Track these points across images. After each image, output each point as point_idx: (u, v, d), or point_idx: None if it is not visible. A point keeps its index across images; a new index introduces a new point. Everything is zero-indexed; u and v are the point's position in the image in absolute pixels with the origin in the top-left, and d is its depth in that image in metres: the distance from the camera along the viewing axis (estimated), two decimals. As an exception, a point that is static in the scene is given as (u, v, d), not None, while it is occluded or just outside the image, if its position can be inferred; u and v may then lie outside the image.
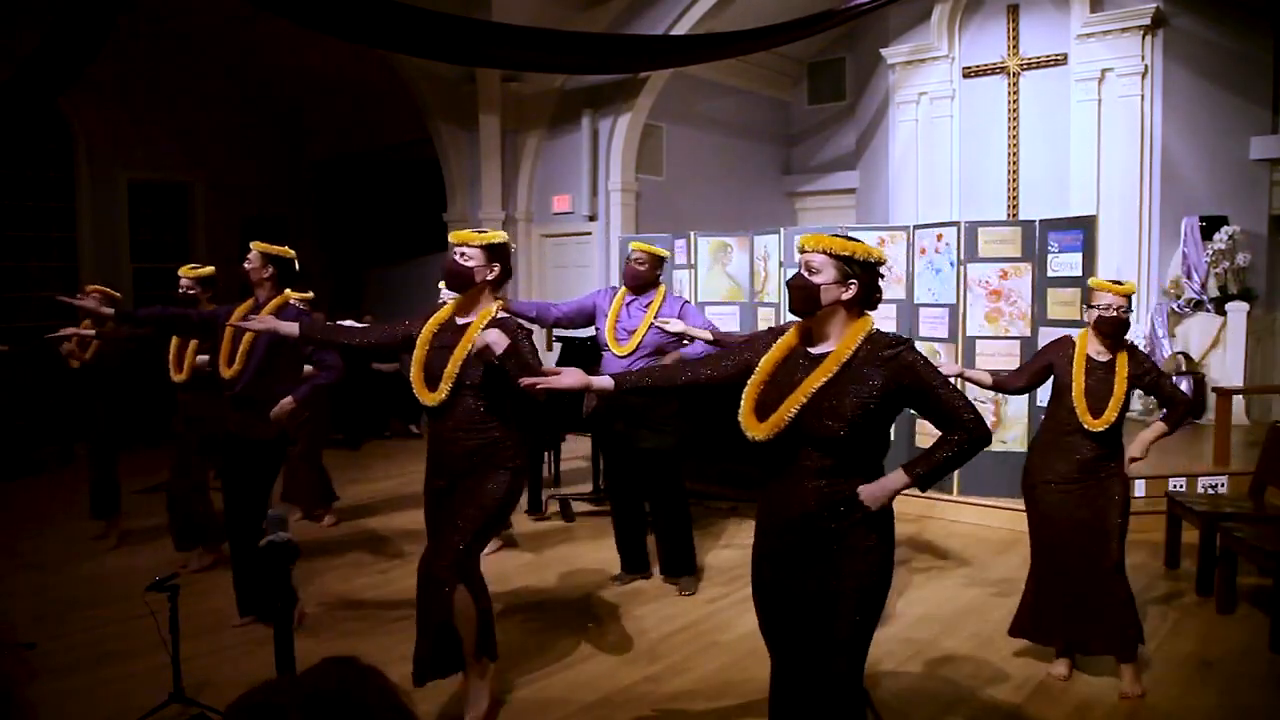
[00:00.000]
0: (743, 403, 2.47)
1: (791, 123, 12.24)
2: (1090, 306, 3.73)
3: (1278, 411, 8.13)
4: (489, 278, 3.26)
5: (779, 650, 2.54)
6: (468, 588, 3.29)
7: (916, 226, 6.72)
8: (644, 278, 4.84)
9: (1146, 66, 8.72)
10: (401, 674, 3.77)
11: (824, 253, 2.42)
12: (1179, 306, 8.50)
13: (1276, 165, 8.58)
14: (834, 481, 2.39)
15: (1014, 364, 6.11)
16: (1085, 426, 3.62)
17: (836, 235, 2.47)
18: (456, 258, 3.24)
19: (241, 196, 11.62)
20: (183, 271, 5.04)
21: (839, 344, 2.41)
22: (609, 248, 9.50)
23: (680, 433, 4.89)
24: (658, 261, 4.90)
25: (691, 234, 7.55)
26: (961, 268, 6.27)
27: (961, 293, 6.29)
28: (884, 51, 10.27)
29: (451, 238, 3.30)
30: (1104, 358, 3.70)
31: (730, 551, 5.53)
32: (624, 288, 4.93)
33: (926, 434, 6.02)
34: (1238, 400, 7.56)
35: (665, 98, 9.93)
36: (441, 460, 3.31)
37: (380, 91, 10.35)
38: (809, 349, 2.48)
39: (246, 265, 4.18)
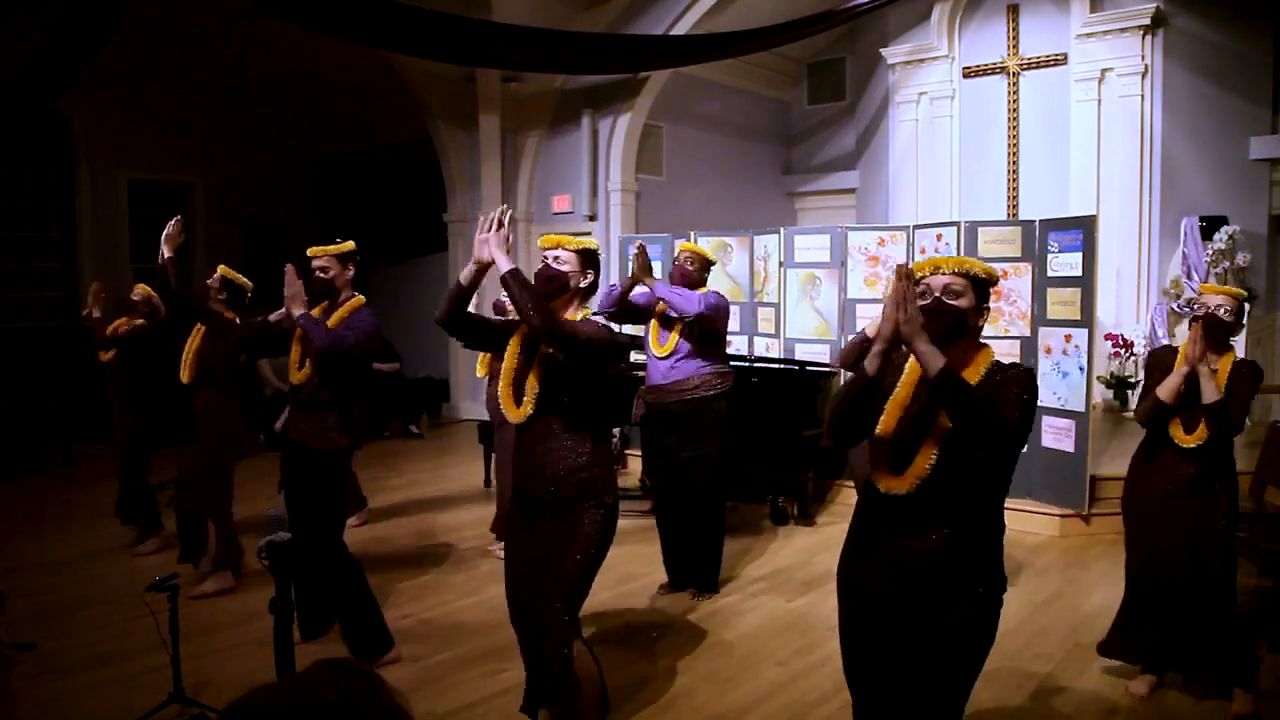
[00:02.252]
0: (872, 458, 2.29)
1: (791, 123, 12.24)
2: (1194, 309, 3.48)
3: (1277, 411, 8.13)
4: (582, 285, 3.01)
5: (867, 690, 2.37)
6: (582, 643, 3.04)
7: (916, 226, 6.72)
8: (692, 279, 4.76)
9: (1146, 66, 8.72)
10: (398, 676, 3.78)
11: (967, 275, 2.25)
12: (1179, 306, 8.49)
13: (1276, 165, 8.57)
14: (957, 529, 2.22)
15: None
16: (1176, 442, 3.41)
17: (968, 259, 2.31)
18: (550, 261, 2.99)
19: (241, 196, 11.63)
20: (221, 269, 4.97)
21: (966, 374, 2.20)
22: (609, 248, 9.50)
23: (722, 443, 4.72)
24: (707, 264, 4.85)
25: (691, 234, 7.56)
26: (961, 268, 6.27)
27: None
28: (884, 51, 10.27)
29: (542, 242, 3.06)
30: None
31: (731, 551, 5.52)
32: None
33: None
34: (1238, 400, 7.54)
35: (665, 98, 9.94)
36: (528, 478, 3.03)
37: (380, 91, 10.35)
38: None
39: (323, 275, 3.89)
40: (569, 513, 2.97)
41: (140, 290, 5.72)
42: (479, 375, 5.75)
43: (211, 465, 4.89)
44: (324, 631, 4.08)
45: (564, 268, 2.98)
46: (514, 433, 3.00)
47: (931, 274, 2.28)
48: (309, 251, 3.98)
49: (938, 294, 2.26)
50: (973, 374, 2.22)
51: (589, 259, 3.03)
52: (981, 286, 2.29)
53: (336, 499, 3.98)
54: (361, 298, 4.02)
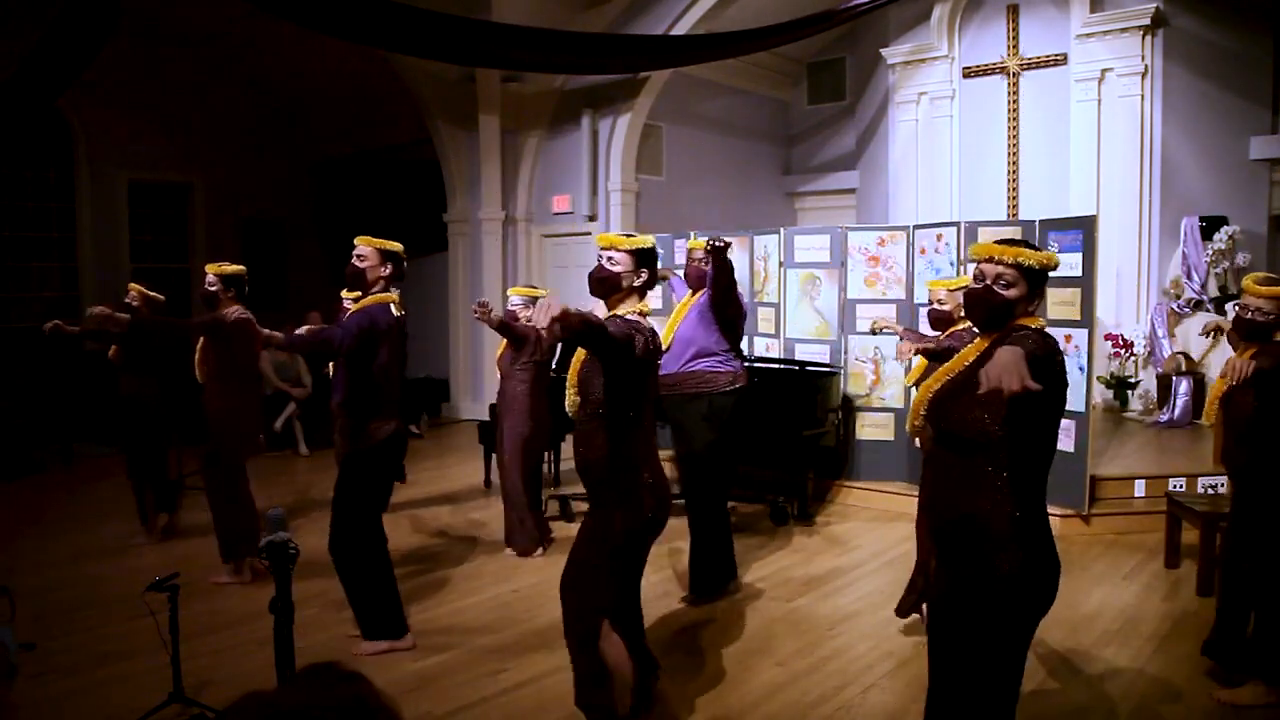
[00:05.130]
0: (911, 413, 2.45)
1: (791, 123, 12.25)
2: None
3: None
4: (635, 284, 3.07)
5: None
6: (607, 639, 3.05)
7: (916, 226, 6.72)
8: (706, 275, 4.66)
9: (1146, 66, 8.72)
10: (399, 676, 3.77)
11: (1018, 266, 2.32)
12: (1179, 306, 8.50)
13: (1276, 165, 8.58)
14: (972, 490, 2.29)
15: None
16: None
17: (1029, 247, 2.35)
18: (603, 262, 3.07)
19: (241, 196, 11.63)
20: (209, 268, 4.97)
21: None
22: (609, 248, 9.50)
23: (717, 433, 4.54)
24: None
25: (692, 234, 7.55)
26: (961, 267, 6.27)
27: (961, 293, 6.29)
28: (884, 51, 10.27)
29: (597, 241, 3.14)
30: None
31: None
32: (690, 288, 4.81)
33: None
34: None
35: (665, 98, 9.93)
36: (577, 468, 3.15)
37: (380, 91, 10.35)
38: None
39: (359, 263, 3.94)
40: (595, 508, 3.08)
41: (134, 291, 5.72)
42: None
43: (225, 464, 4.96)
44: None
45: (616, 268, 3.05)
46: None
47: (985, 261, 2.35)
48: (365, 240, 4.00)
49: (989, 281, 2.33)
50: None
51: (642, 257, 3.08)
52: (1035, 276, 2.34)
53: (357, 488, 3.95)
54: (389, 295, 3.99)
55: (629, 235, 3.11)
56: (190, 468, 6.41)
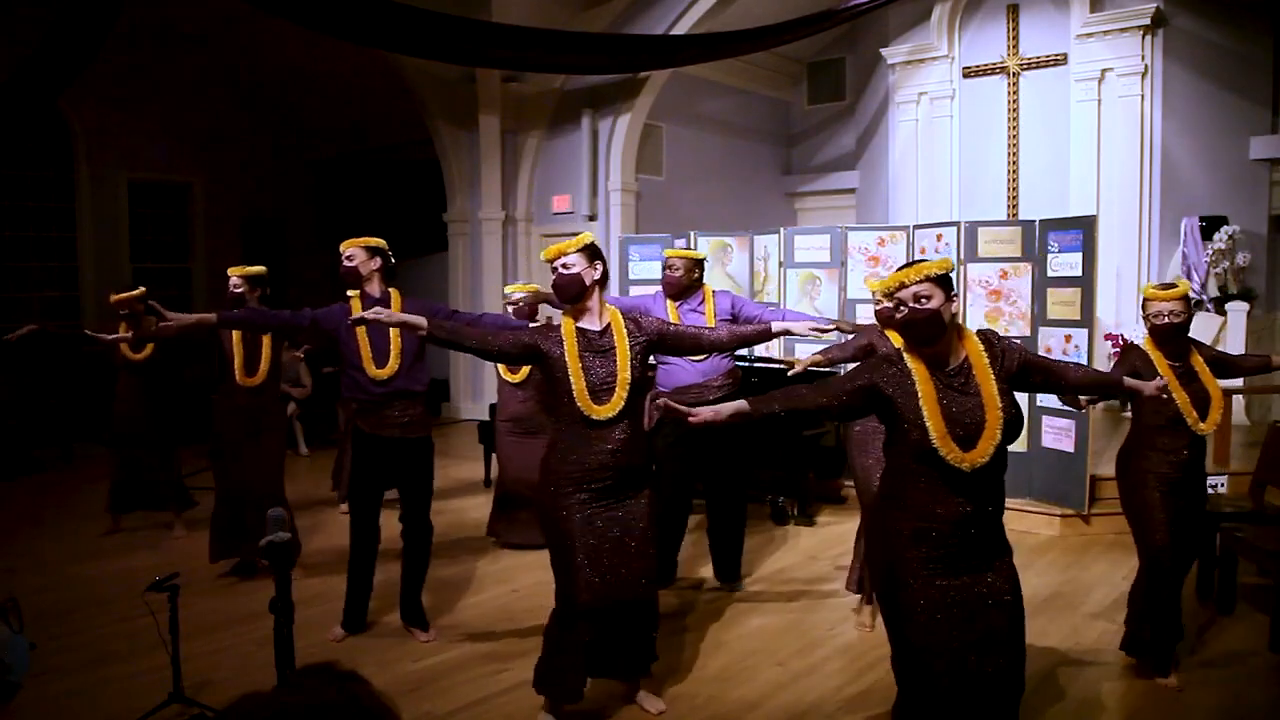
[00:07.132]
0: (940, 444, 2.43)
1: (791, 123, 12.25)
2: (1145, 317, 3.64)
3: (1278, 411, 8.13)
4: (596, 277, 3.22)
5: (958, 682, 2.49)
6: None
7: (916, 226, 6.72)
8: (680, 284, 4.73)
9: (1146, 66, 8.72)
10: (400, 676, 3.77)
11: (928, 279, 2.49)
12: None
13: (1276, 165, 8.58)
14: (999, 487, 2.55)
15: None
16: (1197, 431, 3.56)
17: (923, 262, 2.56)
18: (560, 270, 3.20)
19: (241, 196, 11.63)
20: (232, 271, 5.01)
21: (969, 354, 2.54)
22: (609, 248, 9.49)
23: (740, 434, 4.58)
24: (694, 265, 4.80)
25: (691, 234, 7.55)
26: (961, 268, 6.27)
27: (961, 293, 6.29)
28: (884, 51, 10.27)
29: (544, 256, 3.26)
30: (1179, 364, 3.60)
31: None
32: (668, 297, 4.78)
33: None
34: (1238, 400, 7.56)
35: (665, 98, 9.93)
36: (606, 471, 3.18)
37: (380, 91, 10.35)
38: (944, 370, 2.53)
39: (349, 263, 4.06)
40: (637, 495, 3.27)
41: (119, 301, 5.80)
42: (514, 380, 5.64)
43: (280, 458, 5.24)
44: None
45: (573, 270, 3.20)
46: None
47: (899, 289, 2.52)
48: (351, 242, 4.14)
49: (910, 304, 2.49)
50: (980, 354, 2.53)
51: (591, 253, 3.24)
52: (944, 282, 2.51)
53: (429, 482, 4.28)
54: (396, 291, 4.18)
55: (569, 237, 3.28)
56: (191, 467, 6.42)
